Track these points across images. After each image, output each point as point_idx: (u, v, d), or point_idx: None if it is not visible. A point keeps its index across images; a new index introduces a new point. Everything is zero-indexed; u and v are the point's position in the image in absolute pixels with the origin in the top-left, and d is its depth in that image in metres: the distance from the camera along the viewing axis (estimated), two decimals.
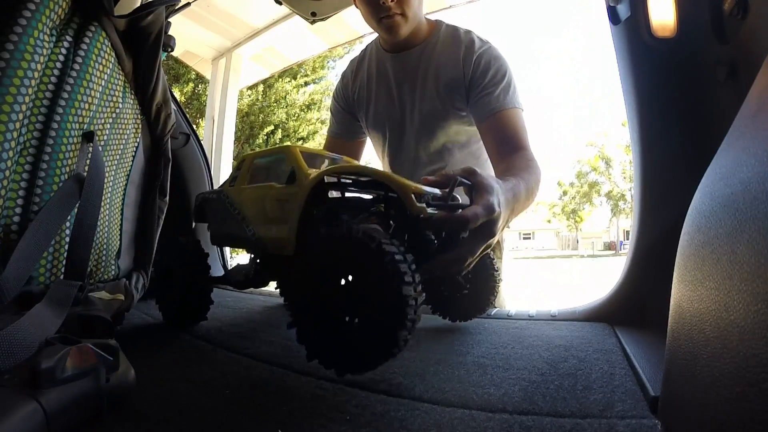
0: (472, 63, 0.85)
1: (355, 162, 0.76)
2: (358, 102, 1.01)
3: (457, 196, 0.54)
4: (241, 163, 0.72)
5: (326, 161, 0.69)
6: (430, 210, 0.47)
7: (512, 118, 0.81)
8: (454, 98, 0.88)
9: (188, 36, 3.09)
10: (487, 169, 1.02)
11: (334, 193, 0.59)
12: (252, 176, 0.68)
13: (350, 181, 0.56)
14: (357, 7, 0.90)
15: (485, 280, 0.69)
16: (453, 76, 0.86)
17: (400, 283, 0.37)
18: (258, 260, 0.67)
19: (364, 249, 0.39)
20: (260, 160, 0.69)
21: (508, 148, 0.79)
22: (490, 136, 0.84)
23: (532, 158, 0.77)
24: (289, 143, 0.78)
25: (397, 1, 0.81)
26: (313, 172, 0.56)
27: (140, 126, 0.74)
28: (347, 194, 0.57)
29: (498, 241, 0.55)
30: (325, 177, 0.54)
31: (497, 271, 0.69)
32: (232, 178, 0.71)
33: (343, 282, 0.42)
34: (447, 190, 0.50)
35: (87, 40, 0.57)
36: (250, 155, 0.71)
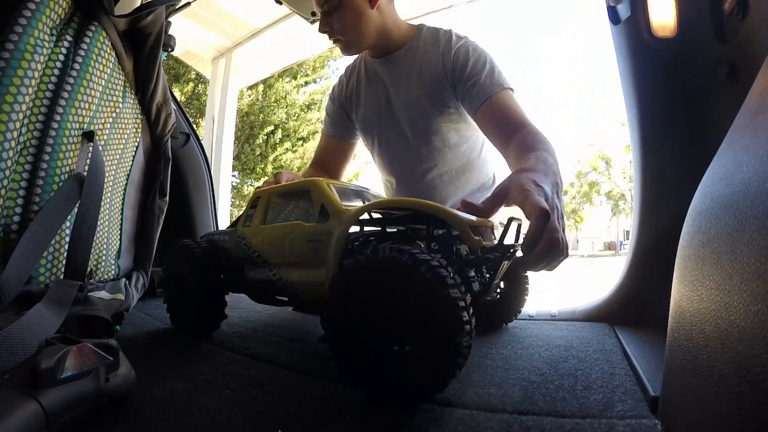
0: (451, 58, 0.86)
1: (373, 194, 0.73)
2: (350, 104, 1.04)
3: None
4: (256, 200, 0.67)
5: (354, 195, 0.64)
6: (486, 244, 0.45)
7: (504, 99, 0.80)
8: (441, 96, 0.89)
9: (188, 36, 3.09)
10: (476, 168, 1.03)
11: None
12: (270, 214, 0.64)
13: (390, 217, 0.53)
14: None
15: (518, 283, 0.70)
16: (435, 73, 0.88)
17: (455, 308, 0.36)
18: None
19: (413, 274, 0.37)
20: (279, 196, 0.65)
21: (510, 128, 0.76)
22: (487, 122, 0.82)
23: (538, 131, 0.73)
24: (314, 177, 0.76)
25: (331, 31, 0.86)
26: (350, 208, 0.52)
27: (140, 126, 0.74)
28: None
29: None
30: (366, 213, 0.50)
31: (527, 273, 0.70)
32: (247, 217, 0.67)
33: (388, 309, 0.39)
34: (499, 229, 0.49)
35: (87, 40, 0.57)
36: (265, 191, 0.66)
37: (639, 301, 0.72)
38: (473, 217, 0.47)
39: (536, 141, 0.68)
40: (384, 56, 0.94)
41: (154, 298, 0.95)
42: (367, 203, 0.53)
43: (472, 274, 0.50)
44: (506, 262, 0.53)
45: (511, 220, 0.49)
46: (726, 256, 0.23)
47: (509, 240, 0.50)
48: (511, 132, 0.75)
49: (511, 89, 0.82)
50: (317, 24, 0.91)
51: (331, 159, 1.10)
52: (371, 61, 0.98)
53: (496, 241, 0.50)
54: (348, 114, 1.06)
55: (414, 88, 0.90)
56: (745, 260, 0.21)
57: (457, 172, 1.01)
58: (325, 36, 0.91)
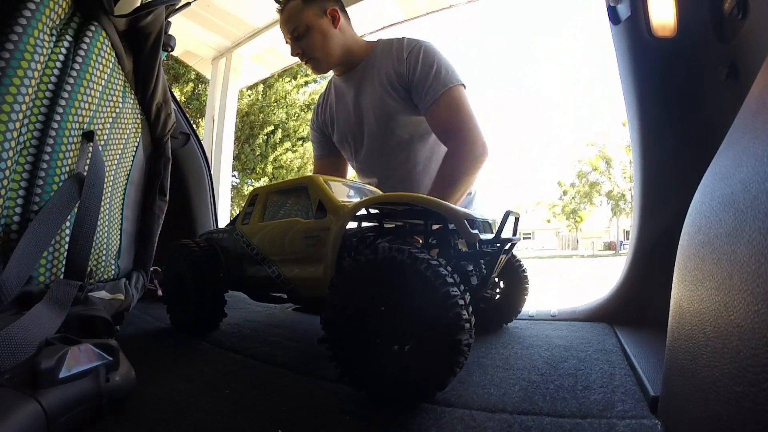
0: (404, 61, 0.95)
1: (376, 189, 0.74)
2: (327, 126, 1.15)
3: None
4: (253, 198, 0.67)
5: (351, 190, 0.65)
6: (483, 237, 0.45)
7: (446, 101, 0.91)
8: (399, 92, 0.97)
9: (188, 36, 3.09)
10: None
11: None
12: (269, 212, 0.64)
13: (387, 212, 0.54)
14: None
15: (518, 283, 0.70)
16: (390, 72, 0.97)
17: (455, 307, 0.36)
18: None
19: (412, 273, 0.37)
20: (276, 193, 0.65)
21: (447, 134, 0.92)
22: (433, 125, 0.95)
23: (455, 149, 0.89)
24: (309, 174, 0.81)
25: (301, 53, 0.98)
26: (347, 204, 0.53)
27: (140, 126, 0.74)
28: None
29: None
30: (364, 209, 0.51)
31: (526, 273, 0.70)
32: (245, 215, 0.67)
33: (388, 308, 0.40)
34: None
35: (87, 40, 0.57)
36: (263, 189, 0.67)
37: (639, 301, 0.72)
38: (470, 211, 0.47)
39: (443, 172, 0.89)
40: (348, 72, 1.04)
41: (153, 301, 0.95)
42: (364, 199, 0.53)
43: (470, 268, 0.50)
44: (504, 255, 0.53)
45: (508, 213, 0.49)
46: (726, 256, 0.23)
47: (507, 233, 0.50)
48: (446, 140, 0.92)
49: (460, 84, 0.93)
50: None
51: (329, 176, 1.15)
52: (338, 81, 1.08)
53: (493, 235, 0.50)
54: (328, 135, 1.16)
55: (375, 89, 0.99)
56: (745, 260, 0.21)
57: (425, 165, 1.05)
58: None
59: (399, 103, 0.98)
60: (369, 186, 0.72)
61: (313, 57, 0.98)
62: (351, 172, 1.23)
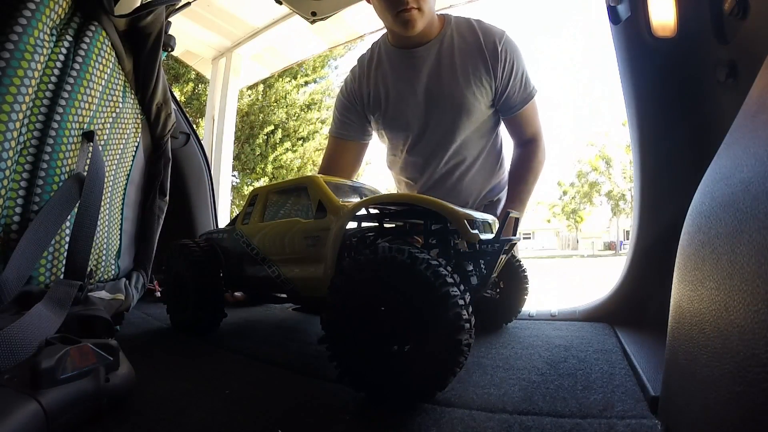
0: (500, 57, 0.89)
1: (370, 188, 0.73)
2: (374, 102, 0.99)
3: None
4: (253, 198, 0.67)
5: (351, 190, 0.65)
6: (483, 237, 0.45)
7: (526, 113, 0.95)
8: (482, 88, 0.91)
9: (188, 36, 3.09)
10: (498, 161, 1.05)
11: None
12: (269, 212, 0.64)
13: (387, 212, 0.54)
14: (369, 2, 0.91)
15: (518, 283, 0.70)
16: (478, 66, 0.90)
17: (455, 307, 0.36)
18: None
19: (412, 273, 0.37)
20: (276, 193, 0.65)
21: (523, 140, 0.98)
22: (511, 128, 0.99)
23: (535, 150, 0.97)
24: (309, 174, 0.78)
25: None
26: (347, 204, 0.53)
27: (140, 126, 0.74)
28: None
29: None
30: (364, 209, 0.51)
31: (526, 273, 0.70)
32: (245, 215, 0.68)
33: (388, 308, 0.40)
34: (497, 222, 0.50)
35: (87, 40, 0.57)
36: (263, 189, 0.67)
37: (639, 301, 0.72)
38: (470, 211, 0.47)
39: (522, 176, 0.96)
40: (415, 47, 0.92)
41: (153, 301, 0.95)
42: (363, 199, 0.53)
43: (470, 268, 0.50)
44: (504, 255, 0.54)
45: (507, 213, 0.50)
46: (726, 256, 0.23)
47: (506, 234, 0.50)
48: (521, 144, 0.98)
49: (536, 92, 0.95)
50: (317, 24, 0.91)
51: (342, 163, 1.04)
52: (398, 54, 0.94)
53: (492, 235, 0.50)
54: (366, 112, 1.01)
55: (457, 81, 0.90)
56: (745, 260, 0.21)
57: (478, 170, 1.01)
58: (325, 36, 0.91)
59: (479, 99, 0.91)
60: (368, 186, 0.72)
61: (420, 8, 0.84)
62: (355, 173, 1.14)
